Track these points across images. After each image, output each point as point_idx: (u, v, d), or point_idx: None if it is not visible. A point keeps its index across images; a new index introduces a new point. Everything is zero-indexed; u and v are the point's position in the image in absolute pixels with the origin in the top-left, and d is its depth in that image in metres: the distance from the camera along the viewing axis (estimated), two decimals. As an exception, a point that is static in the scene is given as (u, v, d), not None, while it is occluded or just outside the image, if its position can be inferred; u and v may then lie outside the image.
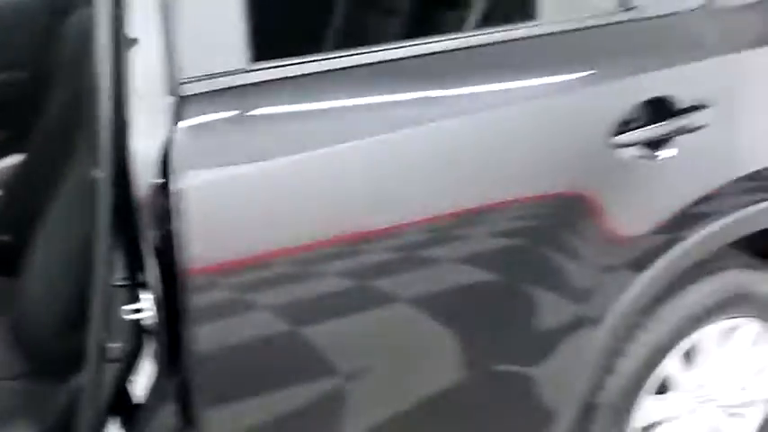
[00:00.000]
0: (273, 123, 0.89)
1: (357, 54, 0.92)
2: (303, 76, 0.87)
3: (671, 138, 1.10)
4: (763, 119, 1.22)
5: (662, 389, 1.38)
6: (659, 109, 1.08)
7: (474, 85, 0.99)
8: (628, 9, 1.11)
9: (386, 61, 0.93)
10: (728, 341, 1.41)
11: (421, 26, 1.37)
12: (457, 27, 1.26)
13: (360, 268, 0.92)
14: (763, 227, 1.28)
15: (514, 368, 1.14)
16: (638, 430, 1.39)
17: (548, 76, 1.05)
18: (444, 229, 0.97)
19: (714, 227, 1.20)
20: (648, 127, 1.08)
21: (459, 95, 0.99)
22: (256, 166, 0.84)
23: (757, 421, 1.56)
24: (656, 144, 1.09)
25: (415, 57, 0.96)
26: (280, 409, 0.94)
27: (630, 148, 1.07)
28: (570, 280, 1.11)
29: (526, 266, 1.07)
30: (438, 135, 0.94)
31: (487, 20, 1.16)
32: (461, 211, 0.99)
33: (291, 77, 0.87)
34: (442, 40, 0.99)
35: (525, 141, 1.04)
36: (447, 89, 0.98)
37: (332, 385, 0.96)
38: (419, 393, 1.05)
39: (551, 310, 1.13)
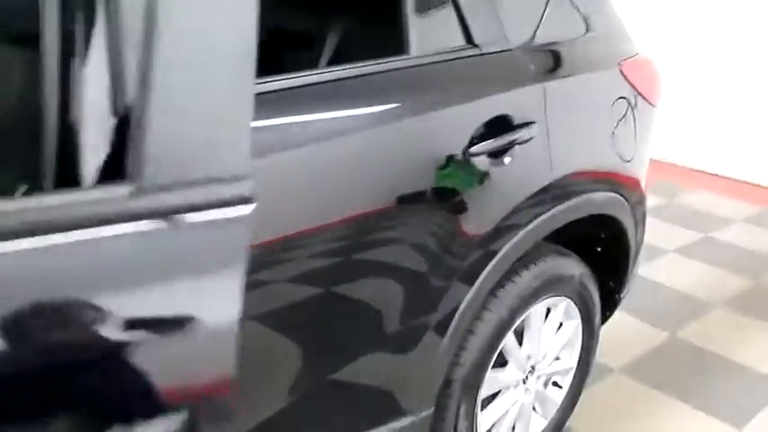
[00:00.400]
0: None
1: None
2: None
3: (510, 147, 1.37)
4: (565, 133, 1.55)
5: (501, 362, 1.66)
6: (501, 125, 1.35)
7: (347, 109, 1.17)
8: (473, 46, 1.37)
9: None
10: (547, 319, 1.73)
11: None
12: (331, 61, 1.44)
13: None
14: (567, 222, 1.61)
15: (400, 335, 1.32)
16: (482, 399, 1.64)
17: (413, 100, 1.26)
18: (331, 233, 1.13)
19: (536, 222, 1.50)
20: (491, 140, 1.35)
21: (334, 118, 1.16)
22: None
23: (567, 387, 1.91)
24: (500, 153, 1.35)
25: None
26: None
27: (481, 156, 1.32)
28: (435, 268, 1.32)
29: (404, 256, 1.26)
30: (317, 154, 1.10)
31: (359, 54, 1.33)
32: (345, 217, 1.15)
33: None
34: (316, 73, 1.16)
35: (397, 155, 1.23)
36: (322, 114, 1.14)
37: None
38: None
39: (421, 294, 1.32)
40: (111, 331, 0.84)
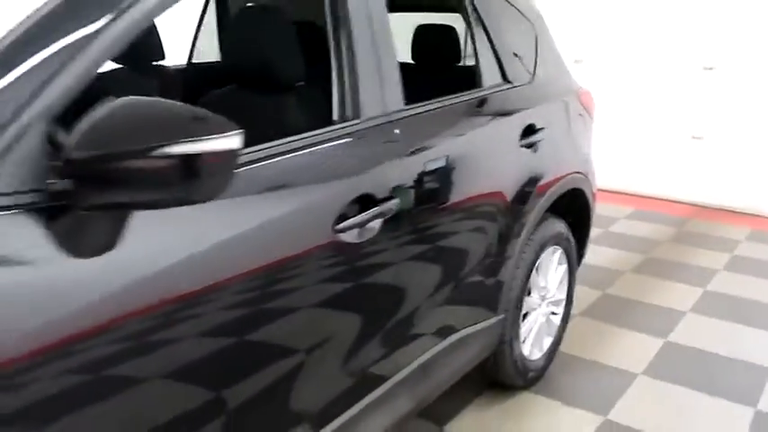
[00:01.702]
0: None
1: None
2: None
3: (537, 142, 2.23)
4: (564, 138, 2.44)
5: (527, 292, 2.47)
6: (531, 129, 2.22)
7: (459, 122, 1.95)
8: (507, 82, 2.23)
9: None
10: (550, 261, 2.58)
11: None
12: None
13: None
14: (560, 194, 2.48)
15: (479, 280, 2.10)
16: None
17: (489, 115, 2.09)
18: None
19: (547, 195, 2.35)
20: (528, 138, 2.20)
21: (453, 128, 1.92)
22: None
23: (561, 313, 2.76)
24: (531, 146, 2.21)
25: None
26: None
27: (528, 147, 2.17)
28: (506, 226, 2.13)
29: (488, 218, 2.06)
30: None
31: (460, 88, 2.11)
32: (466, 196, 1.93)
33: None
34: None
35: (489, 147, 2.04)
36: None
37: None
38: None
39: (498, 243, 2.12)
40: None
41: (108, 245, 1.03)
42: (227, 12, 2.80)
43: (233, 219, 1.23)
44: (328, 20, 1.64)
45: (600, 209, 5.06)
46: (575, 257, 2.73)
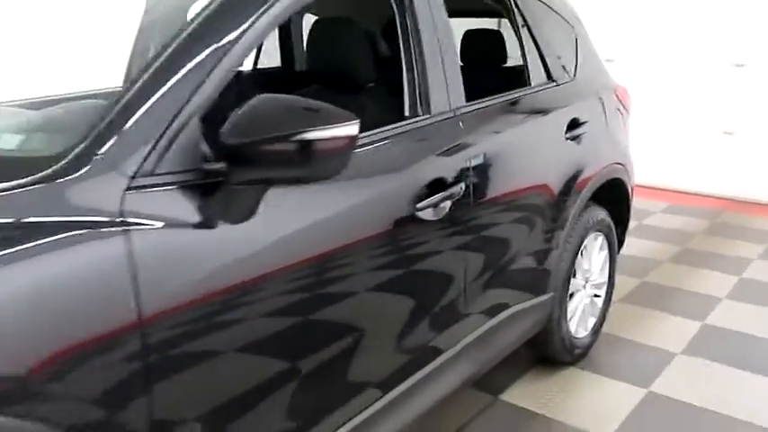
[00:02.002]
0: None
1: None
2: None
3: (579, 136, 2.44)
4: (604, 132, 2.65)
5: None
6: (575, 123, 2.43)
7: (515, 115, 2.17)
8: (552, 81, 2.45)
9: None
10: (593, 246, 2.78)
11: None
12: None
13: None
14: (602, 183, 2.67)
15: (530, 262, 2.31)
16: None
17: (539, 110, 2.30)
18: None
19: (590, 185, 2.56)
20: (573, 131, 2.41)
21: (510, 122, 2.15)
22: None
23: (603, 295, 2.95)
24: (575, 138, 2.42)
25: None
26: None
27: (572, 139, 2.38)
28: (557, 212, 2.34)
29: (544, 204, 2.28)
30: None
31: (511, 86, 2.33)
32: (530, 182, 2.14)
33: None
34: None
35: (541, 138, 2.26)
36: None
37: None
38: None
39: (550, 228, 2.34)
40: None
41: (249, 213, 1.28)
42: (290, 23, 3.06)
43: (341, 197, 1.47)
44: (399, 29, 1.88)
45: (635, 203, 5.18)
46: (615, 243, 2.93)
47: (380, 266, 1.59)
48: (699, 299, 3.48)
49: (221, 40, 1.32)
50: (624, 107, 2.93)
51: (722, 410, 2.45)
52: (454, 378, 1.99)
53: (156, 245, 1.14)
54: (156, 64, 1.26)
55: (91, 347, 1.04)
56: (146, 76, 1.24)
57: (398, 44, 1.88)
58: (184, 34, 1.31)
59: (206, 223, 1.22)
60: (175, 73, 1.25)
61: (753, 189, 5.42)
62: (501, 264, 2.12)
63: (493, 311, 2.15)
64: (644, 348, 2.93)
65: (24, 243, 1.00)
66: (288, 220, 1.35)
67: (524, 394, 2.54)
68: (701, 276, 3.81)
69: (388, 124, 1.72)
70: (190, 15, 2.27)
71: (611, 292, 3.00)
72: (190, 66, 1.26)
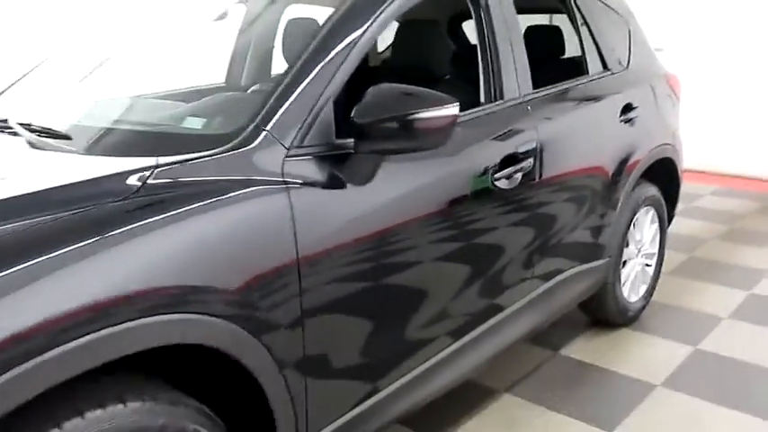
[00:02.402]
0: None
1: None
2: None
3: (632, 119, 2.73)
4: (654, 115, 2.92)
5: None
6: (628, 107, 2.71)
7: (577, 101, 2.48)
8: (607, 70, 2.73)
9: None
10: (645, 219, 3.05)
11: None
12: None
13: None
14: (653, 161, 2.94)
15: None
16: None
17: (595, 96, 2.60)
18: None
19: (643, 161, 2.83)
20: (626, 114, 2.70)
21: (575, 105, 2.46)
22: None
23: (654, 265, 3.22)
24: (628, 121, 2.71)
25: None
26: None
27: (626, 122, 2.67)
28: (613, 185, 2.63)
29: (601, 178, 2.58)
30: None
31: (573, 75, 2.64)
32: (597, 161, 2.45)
33: None
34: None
35: (598, 122, 2.55)
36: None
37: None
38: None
39: (608, 200, 2.64)
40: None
41: (371, 177, 1.63)
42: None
43: (438, 166, 1.83)
44: (476, 27, 2.20)
45: (684, 187, 5.39)
46: (665, 218, 3.19)
47: (468, 223, 1.94)
48: (746, 272, 3.71)
49: (347, 39, 1.68)
50: (674, 93, 3.18)
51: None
52: (526, 324, 2.33)
53: (306, 200, 1.50)
54: (300, 62, 1.62)
55: (266, 271, 1.41)
56: (293, 70, 1.61)
57: (476, 40, 2.21)
58: (320, 36, 1.68)
59: (338, 184, 1.58)
60: (316, 66, 1.61)
61: (804, 172, 5.54)
62: (562, 229, 2.44)
63: (558, 270, 2.48)
64: (692, 313, 3.19)
65: (222, 195, 1.37)
66: (399, 183, 1.71)
67: (581, 350, 2.85)
68: (747, 252, 4.02)
69: (465, 110, 2.05)
70: (283, 23, 2.68)
71: (662, 263, 3.27)
72: (326, 60, 1.62)
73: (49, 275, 1.13)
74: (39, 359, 1.09)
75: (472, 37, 2.82)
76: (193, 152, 1.45)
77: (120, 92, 2.31)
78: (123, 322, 1.19)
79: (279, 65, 2.85)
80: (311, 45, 1.65)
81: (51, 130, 1.67)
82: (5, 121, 1.78)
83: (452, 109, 1.58)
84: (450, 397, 2.13)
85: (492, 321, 2.19)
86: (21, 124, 1.72)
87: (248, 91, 2.41)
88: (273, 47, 2.82)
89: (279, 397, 1.47)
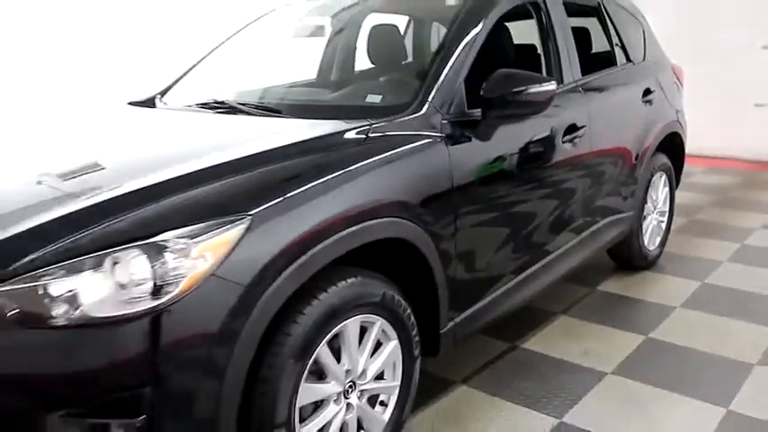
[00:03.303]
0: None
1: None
2: None
3: (651, 100, 3.45)
4: (665, 98, 3.65)
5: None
6: (649, 90, 3.44)
7: (610, 86, 3.19)
8: (630, 62, 3.46)
9: None
10: (659, 182, 3.77)
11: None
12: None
13: None
14: (663, 136, 3.67)
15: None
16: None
17: (623, 81, 3.32)
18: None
19: (656, 137, 3.56)
20: (646, 96, 3.43)
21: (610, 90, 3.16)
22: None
23: (666, 221, 3.96)
24: (648, 102, 3.44)
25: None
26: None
27: (646, 103, 3.40)
28: (636, 157, 3.36)
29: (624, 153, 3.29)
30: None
31: (604, 66, 3.34)
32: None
33: None
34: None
35: (627, 103, 3.27)
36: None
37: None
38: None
39: (633, 171, 3.35)
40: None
41: (492, 135, 2.32)
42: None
43: (535, 127, 2.54)
44: (539, 27, 2.90)
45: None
46: (674, 182, 3.93)
47: (550, 168, 2.66)
48: (737, 229, 4.47)
49: (469, 37, 2.37)
50: (679, 80, 3.92)
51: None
52: (582, 254, 3.06)
53: (455, 149, 2.18)
54: (442, 51, 2.31)
55: (430, 200, 2.08)
56: (438, 58, 2.29)
57: (539, 38, 2.92)
58: (451, 35, 2.36)
59: (471, 140, 2.26)
60: (453, 54, 2.30)
61: (780, 152, 6.34)
62: (604, 184, 3.15)
63: (600, 216, 3.18)
64: (698, 259, 3.93)
65: (411, 143, 2.05)
66: (515, 136, 2.43)
67: (613, 286, 3.57)
68: (736, 215, 4.80)
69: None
70: (367, 25, 3.36)
71: (671, 219, 4.01)
72: (459, 50, 2.31)
73: (322, 194, 1.79)
74: (324, 243, 1.76)
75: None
76: (382, 117, 2.13)
77: (267, 81, 2.98)
78: (363, 222, 1.86)
79: (361, 62, 3.53)
80: (447, 43, 2.35)
81: (263, 106, 2.34)
82: (223, 102, 2.44)
83: (552, 85, 2.28)
84: (519, 318, 2.82)
85: (564, 248, 2.90)
86: (240, 104, 2.39)
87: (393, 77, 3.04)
88: (356, 48, 3.49)
89: (441, 278, 2.14)
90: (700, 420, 2.34)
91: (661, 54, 3.88)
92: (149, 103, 2.83)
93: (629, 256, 3.67)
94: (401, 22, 3.54)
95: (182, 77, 3.01)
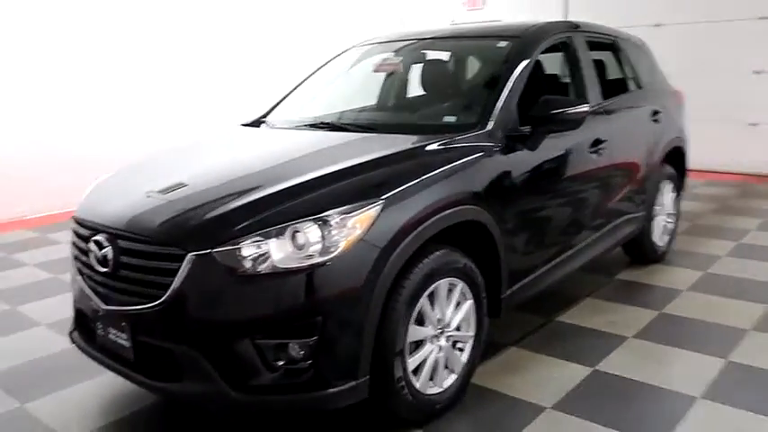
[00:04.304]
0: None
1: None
2: None
3: (658, 119, 4.15)
4: (669, 117, 4.35)
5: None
6: (656, 111, 4.14)
7: (624, 107, 3.89)
8: (640, 88, 4.16)
9: None
10: (666, 188, 4.45)
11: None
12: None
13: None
14: (669, 150, 4.36)
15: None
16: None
17: (636, 104, 4.02)
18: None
19: (661, 151, 4.25)
20: (655, 116, 4.13)
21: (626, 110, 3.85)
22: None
23: (674, 222, 4.64)
24: (656, 121, 4.13)
25: None
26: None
27: (654, 122, 4.10)
28: (647, 165, 4.04)
29: (636, 163, 3.99)
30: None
31: (619, 91, 4.04)
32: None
33: None
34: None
35: (639, 121, 3.97)
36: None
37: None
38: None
39: (643, 176, 4.04)
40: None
41: (539, 146, 3.00)
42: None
43: (570, 139, 3.21)
44: (568, 60, 3.60)
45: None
46: (678, 188, 4.61)
47: (581, 173, 3.34)
48: (734, 231, 5.15)
49: (519, 68, 3.07)
50: (680, 102, 4.63)
51: (762, 279, 4.10)
52: (605, 244, 3.73)
53: (512, 156, 2.87)
54: (500, 82, 3.00)
55: (495, 194, 2.76)
56: (497, 87, 2.98)
57: (569, 69, 3.62)
58: (505, 68, 3.06)
59: (522, 150, 2.95)
60: (508, 84, 2.99)
61: (773, 166, 7.05)
62: (622, 188, 3.83)
63: (616, 216, 3.85)
64: (701, 255, 4.60)
65: (481, 152, 2.74)
66: (555, 148, 3.11)
67: (630, 275, 4.24)
68: (734, 219, 5.48)
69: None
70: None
71: (678, 221, 4.68)
72: (512, 80, 3.01)
73: (426, 187, 2.47)
74: (428, 222, 2.43)
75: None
76: (457, 133, 2.82)
77: (344, 106, 3.69)
78: (452, 207, 2.54)
79: (412, 90, 4.24)
80: (503, 75, 3.05)
81: (361, 124, 3.03)
82: (331, 123, 3.15)
83: (585, 107, 2.98)
84: (552, 299, 3.48)
85: (589, 240, 3.57)
86: (342, 123, 3.09)
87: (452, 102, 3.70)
88: (408, 79, 4.19)
89: (503, 253, 2.80)
90: (705, 367, 2.99)
91: (664, 81, 4.59)
92: (256, 123, 3.54)
93: (642, 251, 4.34)
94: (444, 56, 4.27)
95: (279, 104, 3.72)
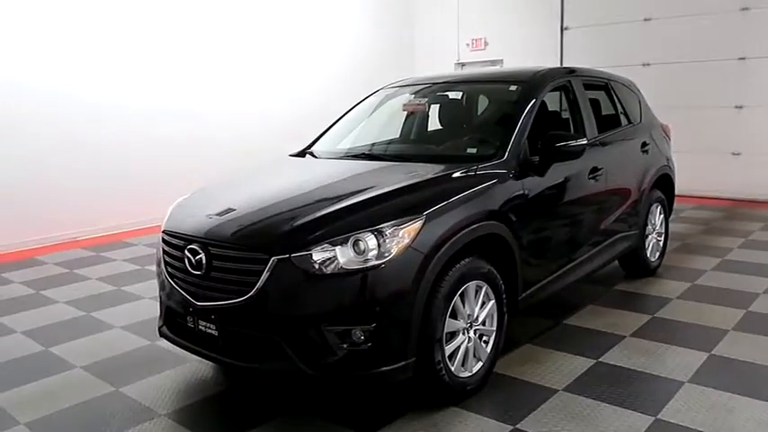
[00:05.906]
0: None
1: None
2: None
3: (647, 150, 4.75)
4: (657, 148, 4.95)
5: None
6: (645, 143, 4.74)
7: (615, 141, 4.47)
8: (630, 123, 4.77)
9: None
10: (656, 210, 5.03)
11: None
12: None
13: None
14: (657, 177, 4.95)
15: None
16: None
17: (627, 138, 4.62)
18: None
19: (651, 178, 4.83)
20: (644, 148, 4.73)
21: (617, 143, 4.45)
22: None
23: (663, 240, 5.21)
24: (645, 152, 4.73)
25: None
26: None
27: (644, 152, 4.71)
28: (640, 190, 4.63)
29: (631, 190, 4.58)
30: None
31: (612, 126, 4.65)
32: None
33: None
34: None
35: (630, 152, 4.56)
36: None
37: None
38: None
39: (640, 196, 4.62)
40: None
41: (546, 172, 3.58)
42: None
43: (572, 166, 3.79)
44: (567, 99, 4.20)
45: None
46: (668, 211, 5.19)
47: (582, 195, 3.91)
48: (720, 249, 5.72)
49: (529, 106, 3.66)
50: (667, 135, 5.24)
51: (742, 288, 4.64)
52: (602, 259, 4.28)
53: (524, 181, 3.44)
54: (513, 119, 3.59)
55: (512, 212, 3.32)
56: (510, 126, 3.57)
57: (569, 107, 4.22)
58: (517, 107, 3.65)
59: (533, 176, 3.52)
60: (520, 120, 3.58)
61: (754, 192, 7.65)
62: (617, 210, 4.40)
63: (612, 233, 4.41)
64: (689, 269, 5.16)
65: (499, 178, 3.31)
66: (559, 174, 3.68)
67: (625, 286, 4.79)
68: (720, 239, 6.05)
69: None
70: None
71: (667, 239, 5.25)
72: (523, 117, 3.60)
73: (457, 206, 3.04)
74: (459, 234, 2.99)
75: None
76: (479, 162, 3.40)
77: (373, 140, 4.28)
78: (478, 222, 3.10)
79: (432, 125, 4.84)
80: (516, 113, 3.64)
81: (396, 155, 3.61)
82: (369, 153, 3.72)
83: (584, 140, 3.57)
84: (559, 306, 4.03)
85: (589, 254, 4.12)
86: (379, 153, 3.67)
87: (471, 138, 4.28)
88: (428, 116, 4.79)
89: (518, 261, 3.35)
90: (691, 359, 3.52)
91: (652, 116, 5.21)
92: (302, 154, 4.12)
93: (637, 265, 4.89)
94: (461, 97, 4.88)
95: (320, 137, 4.31)
